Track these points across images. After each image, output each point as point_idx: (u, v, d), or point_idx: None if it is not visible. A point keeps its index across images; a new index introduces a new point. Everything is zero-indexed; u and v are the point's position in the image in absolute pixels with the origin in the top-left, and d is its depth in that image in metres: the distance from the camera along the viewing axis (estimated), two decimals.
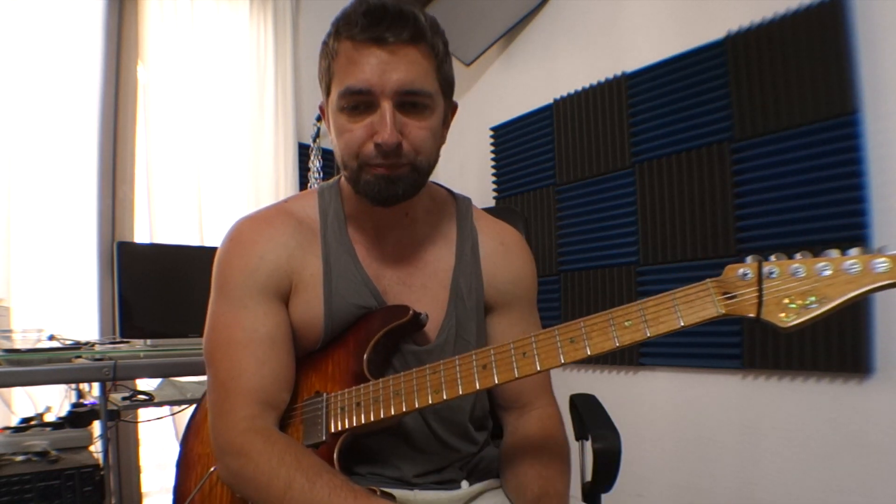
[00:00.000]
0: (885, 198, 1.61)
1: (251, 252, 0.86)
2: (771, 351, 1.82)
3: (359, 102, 0.80)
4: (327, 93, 0.85)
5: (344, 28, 0.80)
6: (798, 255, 0.66)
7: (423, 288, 0.92)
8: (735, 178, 1.91)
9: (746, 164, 1.89)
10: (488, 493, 0.92)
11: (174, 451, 0.97)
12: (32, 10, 2.19)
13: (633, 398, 2.21)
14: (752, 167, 1.88)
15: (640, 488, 2.16)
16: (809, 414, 1.75)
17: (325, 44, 0.84)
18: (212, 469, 0.86)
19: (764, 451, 1.85)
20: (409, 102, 0.80)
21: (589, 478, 1.03)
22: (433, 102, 0.82)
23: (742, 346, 1.88)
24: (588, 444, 1.06)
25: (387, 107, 0.78)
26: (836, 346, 1.68)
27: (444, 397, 0.76)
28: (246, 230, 0.89)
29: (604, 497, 1.04)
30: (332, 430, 0.82)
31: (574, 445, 1.06)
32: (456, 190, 1.03)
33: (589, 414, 1.10)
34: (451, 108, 0.91)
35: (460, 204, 0.99)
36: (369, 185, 0.82)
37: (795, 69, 1.77)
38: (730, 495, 1.93)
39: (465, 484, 0.90)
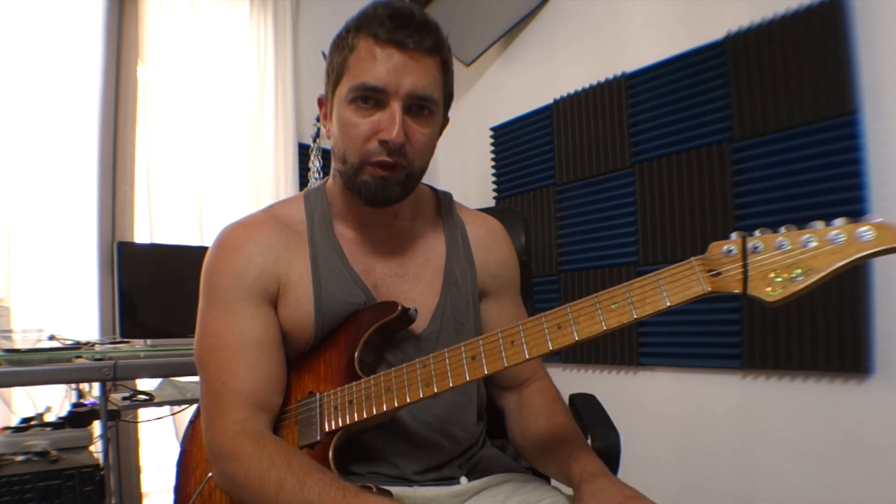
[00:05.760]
0: (885, 198, 1.61)
1: (238, 256, 0.87)
2: (771, 351, 1.81)
3: (369, 98, 0.82)
4: (335, 84, 0.86)
5: (366, 25, 0.82)
6: (783, 229, 0.65)
7: (417, 277, 0.93)
8: (735, 178, 1.91)
9: (746, 164, 1.89)
10: (487, 491, 0.91)
11: (174, 451, 0.97)
12: (32, 10, 2.19)
13: (633, 398, 2.21)
14: (752, 167, 1.88)
15: (640, 488, 2.15)
16: (809, 414, 1.75)
17: (340, 37, 0.86)
18: (209, 475, 0.86)
19: (764, 451, 1.85)
20: (416, 106, 0.83)
21: None
22: (436, 110, 0.86)
23: (742, 346, 1.88)
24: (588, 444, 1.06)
25: (396, 107, 0.81)
26: (835, 346, 1.68)
27: (435, 391, 0.76)
28: (232, 235, 0.91)
29: None
30: (327, 430, 0.82)
31: None
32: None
33: (589, 414, 1.10)
34: (445, 122, 0.94)
35: (442, 198, 1.02)
36: (366, 185, 0.84)
37: (795, 69, 1.77)
38: (730, 495, 1.93)
39: (464, 479, 0.91)
